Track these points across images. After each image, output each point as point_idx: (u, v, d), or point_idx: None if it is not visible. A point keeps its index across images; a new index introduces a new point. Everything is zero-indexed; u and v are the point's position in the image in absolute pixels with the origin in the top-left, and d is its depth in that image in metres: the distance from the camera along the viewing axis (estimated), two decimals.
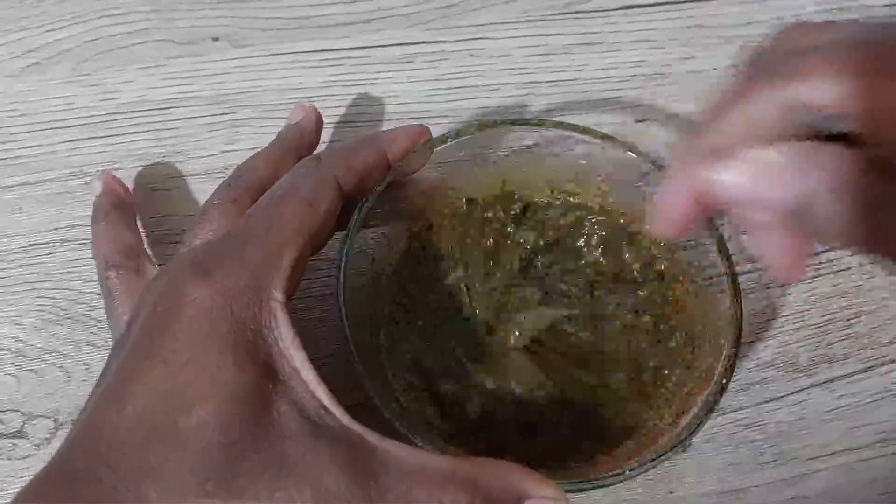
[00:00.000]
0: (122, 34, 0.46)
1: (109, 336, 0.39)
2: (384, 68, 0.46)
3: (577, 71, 0.47)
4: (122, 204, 0.39)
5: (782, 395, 0.40)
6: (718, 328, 0.36)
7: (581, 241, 0.40)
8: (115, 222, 0.38)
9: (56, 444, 0.37)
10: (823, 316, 0.42)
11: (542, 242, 0.40)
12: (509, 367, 0.37)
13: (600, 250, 0.40)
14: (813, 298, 0.42)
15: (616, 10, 0.48)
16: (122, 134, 0.44)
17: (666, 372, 0.37)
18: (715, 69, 0.47)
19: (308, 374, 0.28)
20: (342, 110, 0.45)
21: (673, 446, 0.32)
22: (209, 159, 0.43)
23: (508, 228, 0.40)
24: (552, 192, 0.40)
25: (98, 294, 0.40)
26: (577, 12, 0.48)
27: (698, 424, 0.33)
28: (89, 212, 0.41)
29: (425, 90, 0.46)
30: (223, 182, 0.36)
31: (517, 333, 0.38)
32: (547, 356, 0.37)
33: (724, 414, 0.39)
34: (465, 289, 0.39)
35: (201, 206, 0.36)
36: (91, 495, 0.25)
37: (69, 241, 0.41)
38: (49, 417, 0.38)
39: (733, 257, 0.36)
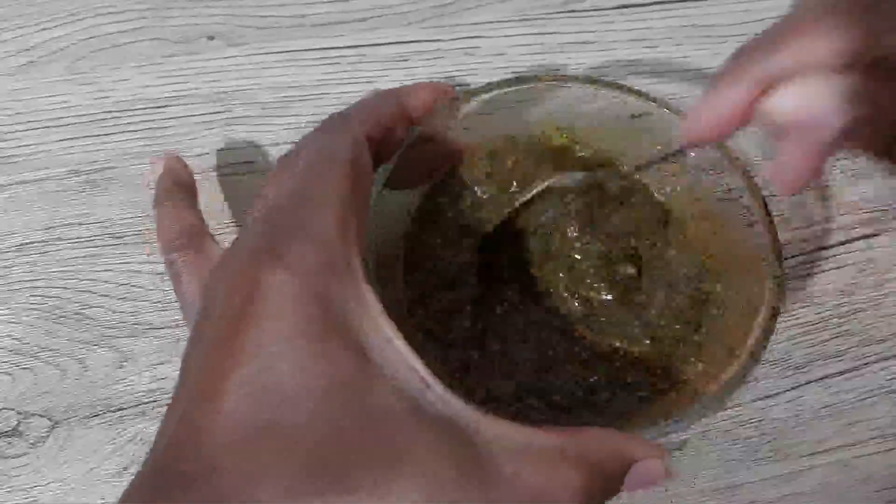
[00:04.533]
0: (117, 32, 0.46)
1: (105, 333, 0.39)
2: (380, 67, 0.46)
3: (572, 70, 0.47)
4: (182, 184, 0.37)
5: (777, 392, 0.40)
6: (756, 266, 0.35)
7: (612, 199, 0.39)
8: (175, 203, 0.36)
9: (51, 444, 0.37)
10: (818, 314, 0.42)
11: (570, 198, 0.39)
12: (543, 324, 0.36)
13: (634, 205, 0.39)
14: (807, 296, 0.42)
15: (611, 10, 0.49)
16: (118, 132, 0.44)
17: (707, 319, 0.37)
18: (710, 69, 0.47)
19: (401, 345, 0.27)
20: (337, 109, 0.45)
21: (745, 374, 0.32)
22: (205, 158, 0.43)
23: (536, 184, 0.39)
24: (580, 148, 0.40)
25: (93, 292, 0.40)
26: (572, 11, 0.48)
27: (762, 349, 0.32)
28: (84, 210, 0.42)
29: None
30: None
31: (550, 288, 0.37)
32: (582, 310, 0.37)
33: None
34: (494, 244, 0.38)
35: None
36: (202, 499, 0.24)
37: (64, 239, 0.41)
38: (44, 416, 0.38)
39: None
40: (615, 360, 0.36)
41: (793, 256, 0.43)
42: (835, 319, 0.42)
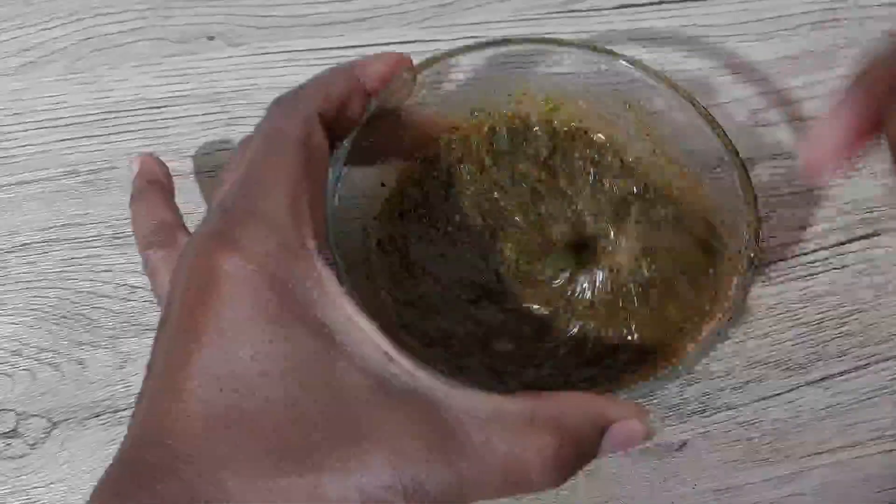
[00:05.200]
0: (116, 32, 0.46)
1: (105, 334, 0.39)
2: None
3: None
4: (157, 181, 0.37)
5: (777, 393, 0.40)
6: (733, 211, 0.34)
7: (582, 164, 0.39)
8: (149, 200, 0.36)
9: (50, 444, 0.37)
10: (818, 314, 0.42)
11: (539, 168, 0.38)
12: (521, 296, 0.36)
13: (607, 173, 0.38)
14: (808, 297, 0.42)
15: (611, 10, 0.48)
16: (117, 132, 0.44)
17: (684, 278, 0.36)
18: (710, 68, 0.47)
19: (363, 322, 0.26)
20: None
21: (729, 317, 0.31)
22: (203, 158, 0.43)
23: (504, 156, 0.38)
24: (539, 116, 0.39)
25: (92, 293, 0.40)
26: (571, 11, 0.48)
27: (740, 303, 0.32)
28: (84, 210, 0.42)
29: None
30: None
31: (530, 261, 0.36)
32: (560, 281, 0.36)
33: (719, 412, 0.39)
34: (464, 222, 0.37)
35: None
36: (172, 490, 0.24)
37: (63, 239, 0.41)
38: (43, 417, 0.38)
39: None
40: (592, 328, 0.35)
41: (793, 257, 0.43)
42: (835, 320, 0.41)
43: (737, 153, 0.35)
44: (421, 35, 0.47)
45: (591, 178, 0.38)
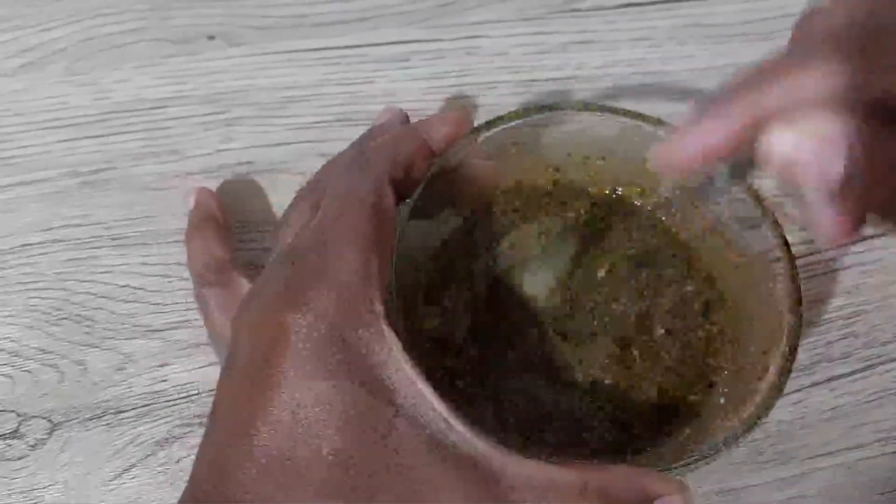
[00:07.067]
0: (116, 33, 0.46)
1: (105, 335, 0.39)
2: (380, 66, 0.46)
3: (574, 69, 0.46)
4: (212, 218, 0.39)
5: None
6: (771, 301, 0.35)
7: (627, 230, 0.39)
8: (204, 237, 0.38)
9: (51, 446, 0.37)
10: (823, 315, 0.41)
11: (589, 231, 0.39)
12: (557, 357, 0.36)
13: (645, 239, 0.39)
14: (813, 298, 0.42)
15: (614, 9, 0.48)
16: (117, 133, 0.43)
17: (721, 354, 0.37)
18: (713, 67, 0.47)
19: (423, 386, 0.28)
20: (337, 109, 0.45)
21: (765, 409, 0.32)
22: (204, 158, 0.43)
23: (557, 216, 0.39)
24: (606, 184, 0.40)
25: (92, 293, 0.40)
26: (574, 10, 0.48)
27: (781, 387, 0.32)
28: (84, 212, 0.42)
29: (422, 88, 0.46)
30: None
31: (566, 323, 0.37)
32: (596, 347, 0.36)
33: None
34: (513, 275, 0.37)
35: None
36: None
37: (63, 240, 0.41)
38: (44, 418, 0.38)
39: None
40: (627, 399, 0.36)
41: (799, 258, 0.42)
42: (840, 321, 0.41)
43: (787, 245, 0.36)
44: (422, 35, 0.47)
45: (629, 240, 0.39)
